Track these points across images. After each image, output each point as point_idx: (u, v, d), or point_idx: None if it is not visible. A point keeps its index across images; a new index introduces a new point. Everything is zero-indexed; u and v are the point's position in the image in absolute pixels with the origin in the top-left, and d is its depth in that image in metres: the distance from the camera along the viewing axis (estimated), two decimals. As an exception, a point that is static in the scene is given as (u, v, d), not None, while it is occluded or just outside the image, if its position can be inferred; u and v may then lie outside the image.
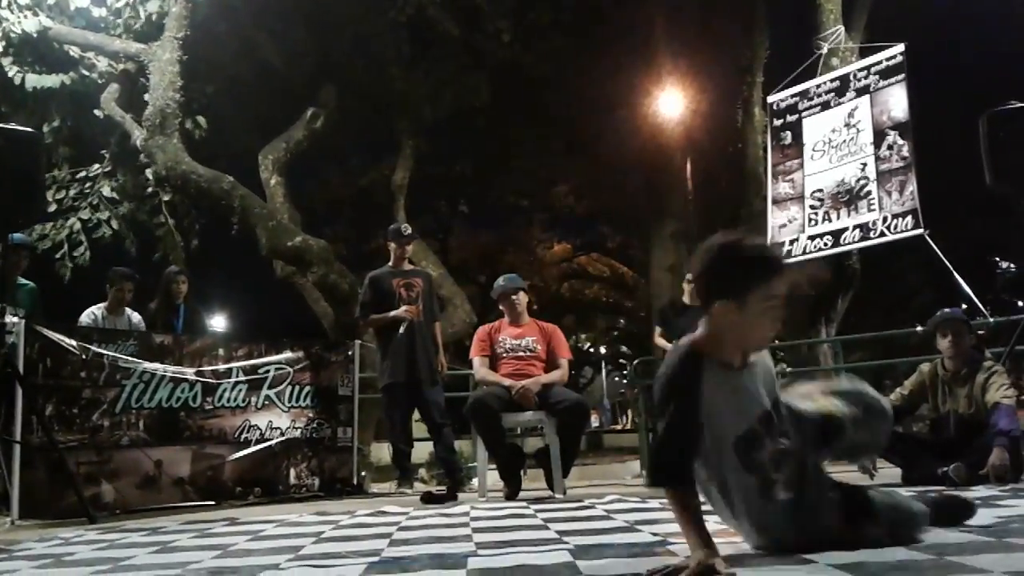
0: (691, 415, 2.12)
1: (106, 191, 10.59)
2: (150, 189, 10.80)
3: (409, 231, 6.09)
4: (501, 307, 5.42)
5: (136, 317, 6.24)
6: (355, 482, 6.04)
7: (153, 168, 10.21)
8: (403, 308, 5.59)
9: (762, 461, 2.17)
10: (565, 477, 4.98)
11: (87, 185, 10.72)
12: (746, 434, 2.16)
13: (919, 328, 5.04)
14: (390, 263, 5.89)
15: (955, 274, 6.80)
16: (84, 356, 4.90)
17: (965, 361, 4.52)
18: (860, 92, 7.94)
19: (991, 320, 6.75)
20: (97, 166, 10.80)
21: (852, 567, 1.94)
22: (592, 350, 30.91)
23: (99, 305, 6.16)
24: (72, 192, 10.60)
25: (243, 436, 5.53)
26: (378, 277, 5.81)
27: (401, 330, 5.56)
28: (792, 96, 8.66)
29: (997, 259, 18.93)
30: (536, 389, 4.97)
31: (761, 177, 9.32)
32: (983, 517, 2.78)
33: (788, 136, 8.60)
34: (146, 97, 10.05)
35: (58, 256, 10.17)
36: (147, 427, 5.13)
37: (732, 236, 2.19)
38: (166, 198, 10.60)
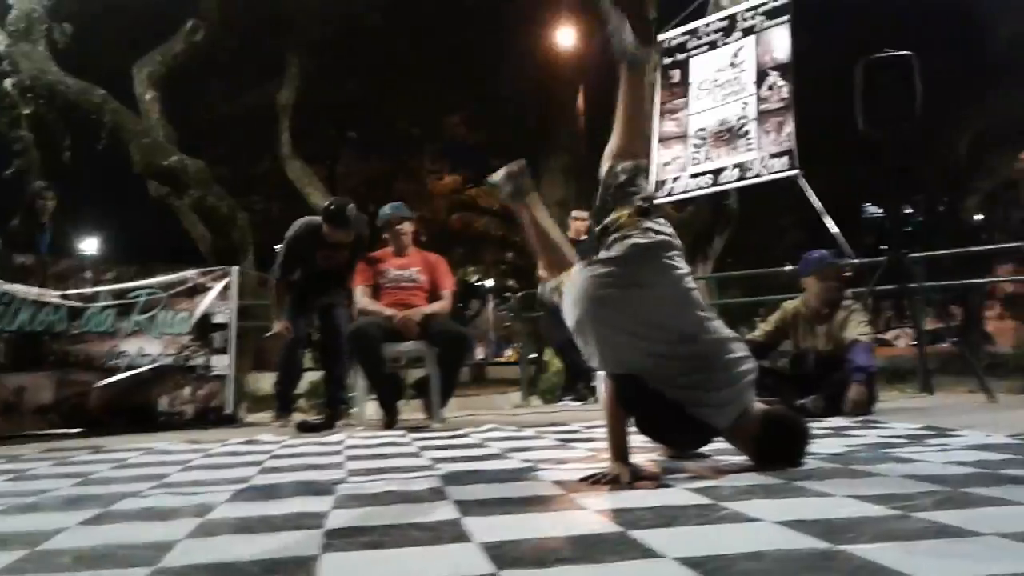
0: None
1: None
2: (9, 101, 10.07)
3: (353, 215, 5.07)
4: (386, 236, 5.34)
5: None
6: (230, 412, 5.91)
7: (17, 77, 9.54)
8: (281, 325, 5.13)
9: None
10: (444, 407, 5.02)
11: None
12: None
13: (788, 267, 5.24)
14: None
15: (824, 215, 7.05)
16: (-66, 276, 4.60)
17: (827, 302, 4.72)
18: (746, 32, 8.05)
19: (855, 261, 7.07)
20: (-54, 71, 9.98)
21: (707, 490, 2.03)
22: (480, 283, 31.02)
23: None
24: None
25: (111, 363, 5.33)
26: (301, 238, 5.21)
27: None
28: (682, 34, 8.72)
29: (868, 204, 19.74)
30: (418, 319, 4.95)
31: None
32: (834, 446, 2.97)
33: (676, 74, 8.68)
34: (9, 0, 9.36)
35: None
36: (6, 352, 4.89)
37: None
38: (27, 111, 9.87)
